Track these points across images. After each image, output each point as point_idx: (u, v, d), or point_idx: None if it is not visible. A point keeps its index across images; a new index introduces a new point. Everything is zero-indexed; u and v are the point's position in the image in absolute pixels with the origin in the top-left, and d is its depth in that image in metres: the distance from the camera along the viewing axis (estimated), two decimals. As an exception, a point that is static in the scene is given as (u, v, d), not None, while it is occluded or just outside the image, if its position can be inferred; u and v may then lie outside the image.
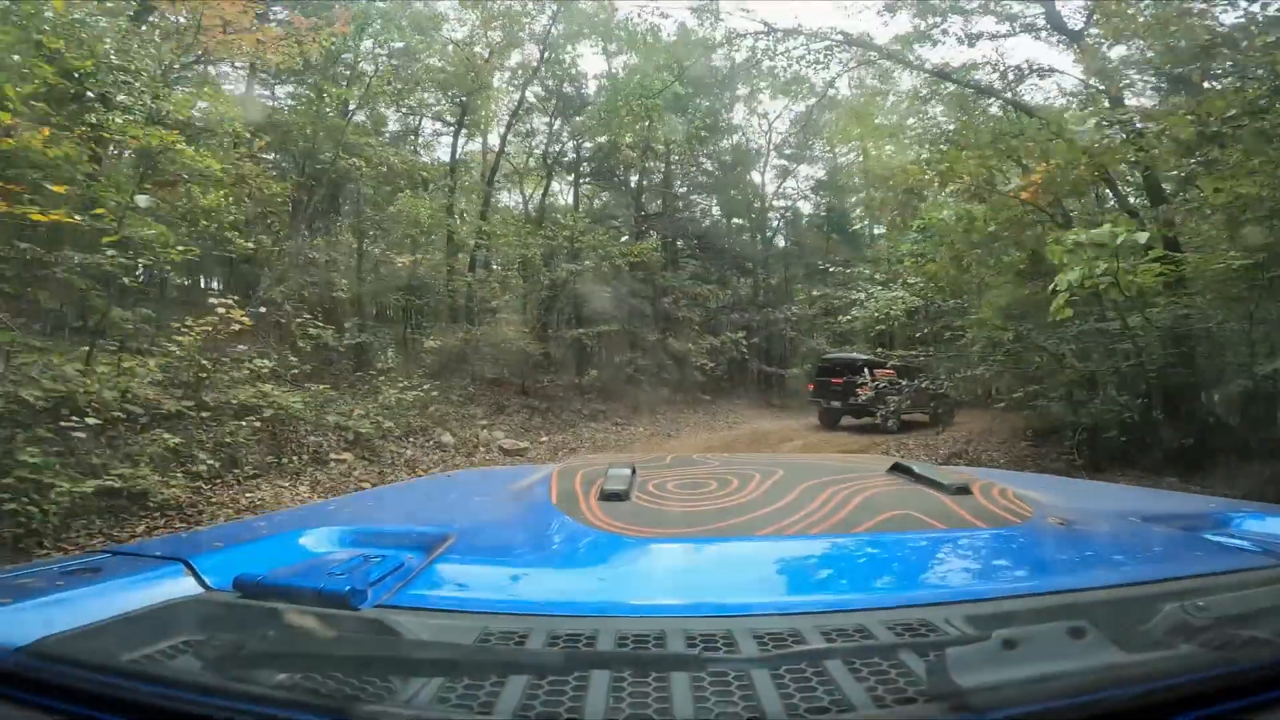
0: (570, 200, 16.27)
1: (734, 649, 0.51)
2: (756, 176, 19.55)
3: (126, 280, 5.02)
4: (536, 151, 15.08)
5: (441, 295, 12.11)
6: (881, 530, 0.84)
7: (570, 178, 16.28)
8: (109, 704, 0.46)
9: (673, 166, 17.26)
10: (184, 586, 0.65)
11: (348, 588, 0.57)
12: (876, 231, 19.77)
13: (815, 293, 18.53)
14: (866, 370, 10.25)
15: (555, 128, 14.92)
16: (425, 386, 8.35)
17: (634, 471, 1.09)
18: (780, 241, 20.70)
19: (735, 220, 19.38)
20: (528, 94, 13.84)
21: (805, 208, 20.97)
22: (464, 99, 12.28)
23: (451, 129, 13.18)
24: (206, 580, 0.66)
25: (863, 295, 8.79)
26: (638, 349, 14.98)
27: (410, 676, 0.48)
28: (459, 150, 13.74)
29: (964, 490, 0.99)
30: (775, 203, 20.48)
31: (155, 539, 1.23)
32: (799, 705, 0.44)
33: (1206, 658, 0.48)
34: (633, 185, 16.63)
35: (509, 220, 13.63)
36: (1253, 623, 0.53)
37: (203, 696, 0.44)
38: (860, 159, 18.84)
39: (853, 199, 20.17)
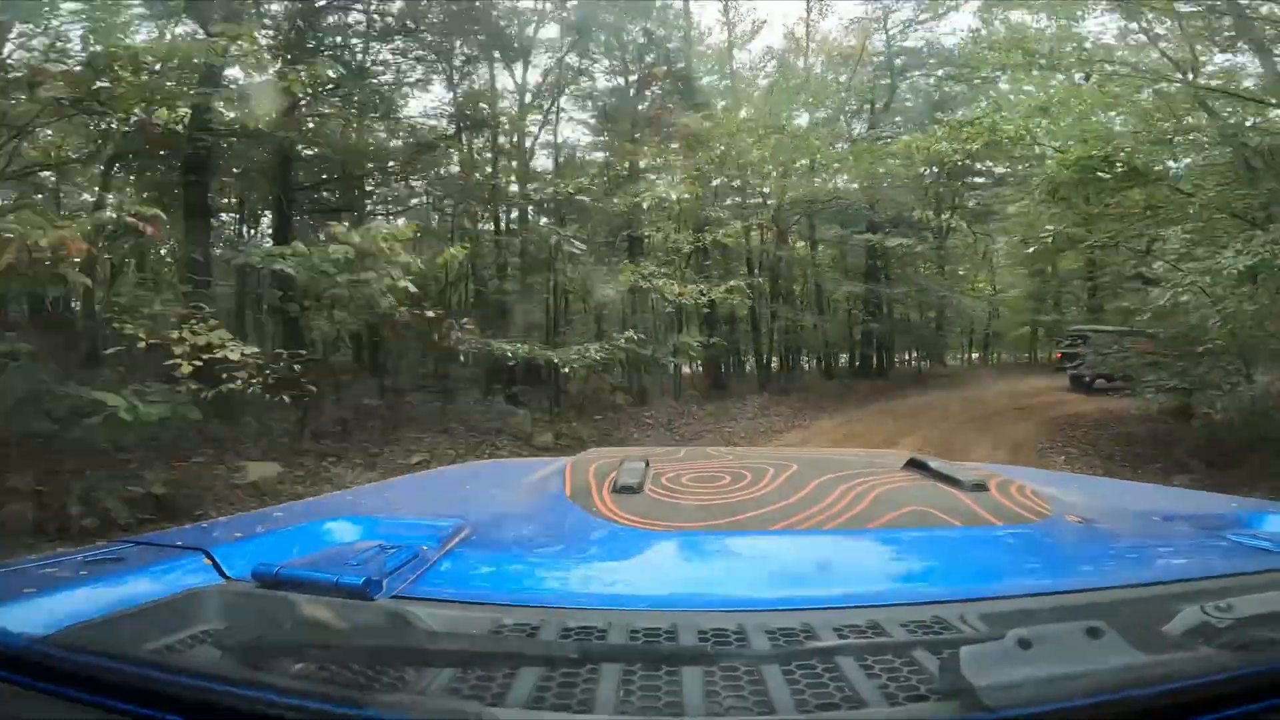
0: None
1: (745, 644, 0.53)
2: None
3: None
4: None
5: None
6: (896, 526, 0.86)
7: None
8: (130, 693, 0.47)
9: None
10: (204, 577, 0.67)
11: (363, 579, 0.58)
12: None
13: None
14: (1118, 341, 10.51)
15: None
16: None
17: (648, 465, 1.10)
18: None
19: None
20: None
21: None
22: None
23: None
24: (226, 570, 0.68)
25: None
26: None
27: (424, 666, 0.50)
28: None
29: (981, 487, 1.00)
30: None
31: (176, 529, 1.07)
32: (809, 701, 0.46)
33: (1227, 659, 0.49)
34: None
35: None
36: (1275, 624, 0.53)
37: (222, 685, 0.46)
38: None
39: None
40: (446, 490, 1.38)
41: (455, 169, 10.87)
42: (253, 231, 11.81)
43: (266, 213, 10.96)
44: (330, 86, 8.38)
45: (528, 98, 11.67)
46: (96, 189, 8.25)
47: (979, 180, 16.33)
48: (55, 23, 5.45)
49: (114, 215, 5.03)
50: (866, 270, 15.86)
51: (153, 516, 4.22)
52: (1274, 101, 6.51)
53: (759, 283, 13.11)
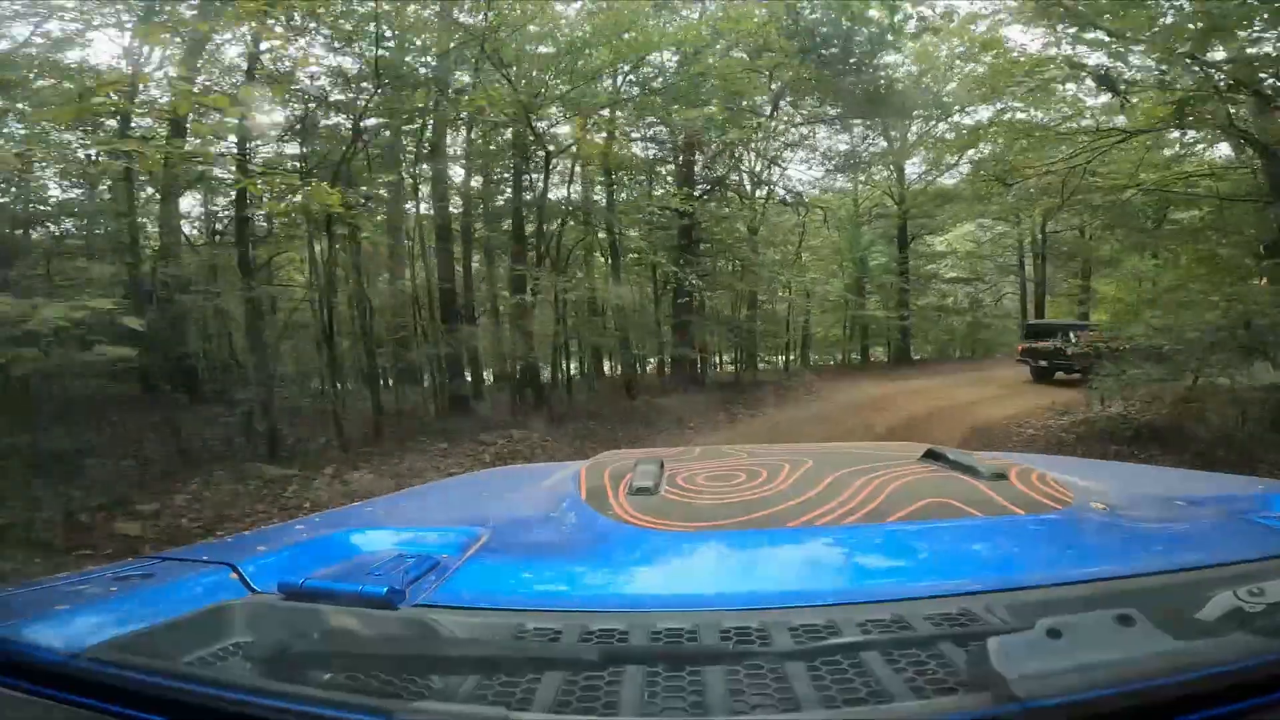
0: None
1: (768, 642, 0.55)
2: None
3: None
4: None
5: None
6: (916, 519, 0.90)
7: None
8: (163, 706, 0.51)
9: None
10: (232, 590, 0.72)
11: (386, 588, 0.62)
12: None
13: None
14: (1071, 333, 12.68)
15: None
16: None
17: (662, 466, 1.14)
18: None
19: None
20: None
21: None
22: None
23: None
24: (253, 584, 0.73)
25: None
26: None
27: (448, 674, 0.54)
28: None
29: (1000, 476, 1.04)
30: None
31: (203, 544, 1.32)
32: (835, 697, 0.48)
33: (1261, 644, 0.50)
34: None
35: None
36: None
37: (252, 697, 0.50)
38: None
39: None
40: (464, 497, 1.43)
41: None
42: None
43: None
44: None
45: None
46: None
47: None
48: None
49: None
50: (680, 237, 11.29)
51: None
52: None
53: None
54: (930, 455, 1.20)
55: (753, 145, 13.71)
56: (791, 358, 19.00)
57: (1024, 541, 0.84)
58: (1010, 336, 21.07)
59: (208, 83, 7.98)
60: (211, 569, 0.77)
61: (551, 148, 10.22)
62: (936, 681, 0.48)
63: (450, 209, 10.54)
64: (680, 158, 12.54)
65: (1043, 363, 13.41)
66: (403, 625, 0.59)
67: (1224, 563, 0.67)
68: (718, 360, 16.65)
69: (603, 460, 1.32)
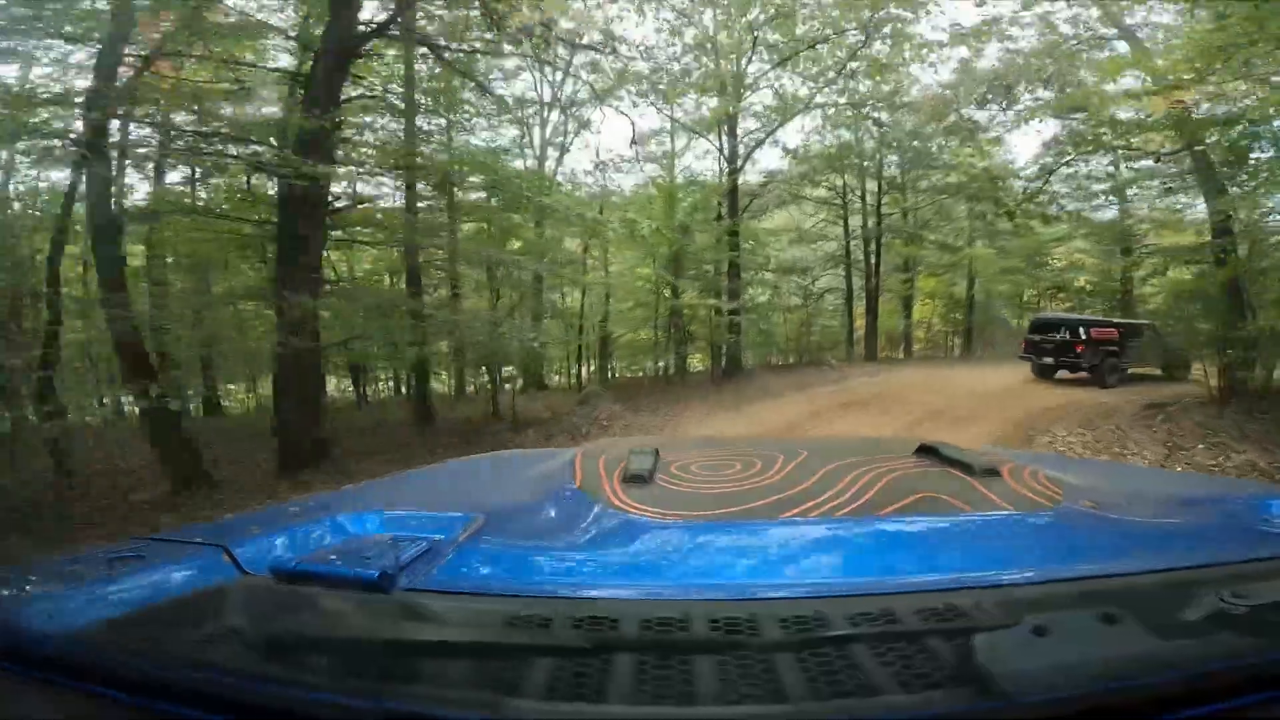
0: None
1: (757, 633, 0.58)
2: None
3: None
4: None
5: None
6: (908, 513, 0.96)
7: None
8: (152, 689, 0.53)
9: None
10: (224, 572, 0.75)
11: (379, 572, 0.64)
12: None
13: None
14: (1081, 329, 12.94)
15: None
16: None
17: (657, 454, 1.14)
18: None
19: None
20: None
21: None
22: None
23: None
24: (245, 566, 0.76)
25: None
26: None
27: (439, 659, 0.58)
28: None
29: (992, 472, 1.10)
30: None
31: (196, 525, 1.34)
32: (823, 689, 0.52)
33: (1243, 646, 0.53)
34: None
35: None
36: None
37: (242, 681, 0.53)
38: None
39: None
40: (459, 482, 1.46)
41: None
42: None
43: None
44: None
45: None
46: None
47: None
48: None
49: None
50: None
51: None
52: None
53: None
54: (924, 450, 1.28)
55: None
56: (590, 369, 14.07)
57: (1013, 538, 0.89)
58: (836, 336, 18.71)
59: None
60: (203, 551, 0.79)
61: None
62: (923, 676, 0.51)
63: None
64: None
65: (1047, 360, 13.15)
66: (394, 609, 0.60)
67: (1209, 564, 0.72)
68: (493, 380, 11.03)
69: (598, 447, 1.37)
